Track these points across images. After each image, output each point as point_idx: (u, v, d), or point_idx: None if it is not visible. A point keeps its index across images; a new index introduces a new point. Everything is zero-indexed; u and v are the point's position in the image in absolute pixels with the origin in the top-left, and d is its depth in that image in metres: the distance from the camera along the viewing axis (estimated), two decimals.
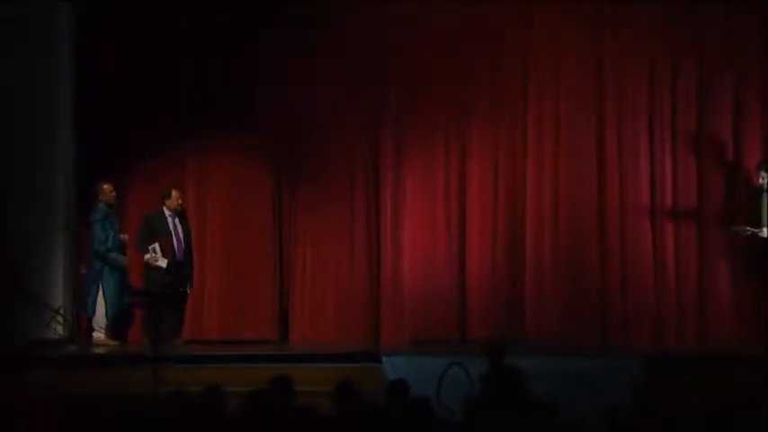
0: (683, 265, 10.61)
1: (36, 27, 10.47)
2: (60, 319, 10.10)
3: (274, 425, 5.56)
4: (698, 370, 8.76)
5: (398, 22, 10.90)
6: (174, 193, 10.36)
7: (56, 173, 10.59)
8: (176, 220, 10.38)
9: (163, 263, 10.18)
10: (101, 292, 10.26)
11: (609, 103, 10.74)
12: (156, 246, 10.19)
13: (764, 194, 9.99)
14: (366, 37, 10.91)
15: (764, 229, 9.87)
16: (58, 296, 10.38)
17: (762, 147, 10.63)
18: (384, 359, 8.97)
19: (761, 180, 9.99)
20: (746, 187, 10.52)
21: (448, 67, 10.81)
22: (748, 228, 9.95)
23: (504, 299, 10.65)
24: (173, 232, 10.32)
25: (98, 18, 10.78)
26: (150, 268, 10.21)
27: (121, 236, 10.39)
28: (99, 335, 10.28)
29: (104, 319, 10.28)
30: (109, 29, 10.79)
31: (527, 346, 10.19)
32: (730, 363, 8.95)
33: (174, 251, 10.29)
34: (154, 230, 10.26)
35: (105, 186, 10.30)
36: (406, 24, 10.88)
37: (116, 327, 10.32)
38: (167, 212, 10.34)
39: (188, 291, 10.55)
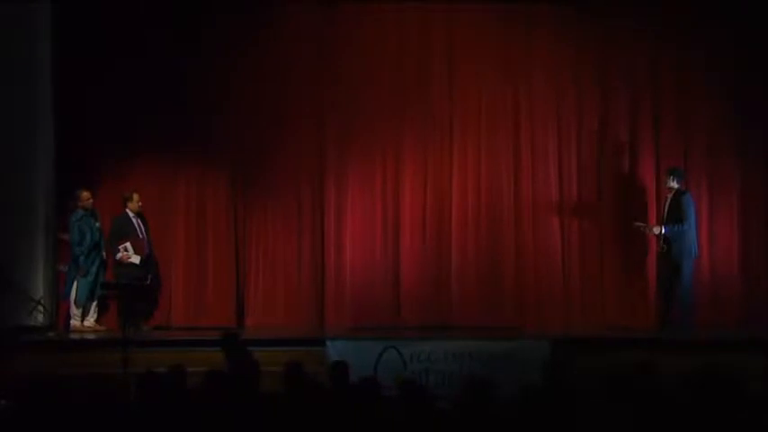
0: (587, 257, 10.71)
1: (15, 26, 10.06)
2: (41, 308, 9.96)
3: (231, 400, 5.44)
4: (599, 349, 8.76)
5: (340, 38, 10.87)
6: (135, 195, 10.25)
7: (37, 173, 10.31)
8: (139, 220, 10.21)
9: (136, 259, 10.14)
10: (75, 286, 10.06)
11: (522, 117, 10.85)
12: (128, 245, 10.09)
13: (668, 198, 10.05)
14: (309, 54, 10.84)
15: (657, 228, 9.92)
16: (39, 288, 10.20)
17: (654, 150, 10.70)
18: (328, 343, 8.90)
19: (671, 184, 9.99)
20: (640, 187, 10.63)
21: (383, 87, 10.84)
22: (644, 224, 10.02)
23: (433, 289, 10.66)
24: (138, 231, 10.14)
25: (77, 18, 10.45)
26: (123, 264, 10.04)
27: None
28: (75, 322, 10.13)
29: (80, 309, 10.06)
30: (88, 32, 10.47)
31: (453, 330, 10.23)
32: (627, 342, 8.99)
33: (143, 248, 10.12)
34: (123, 232, 10.20)
35: (84, 194, 10.18)
36: (345, 45, 10.88)
37: (89, 315, 10.12)
38: (131, 214, 10.20)
39: (157, 282, 10.46)
